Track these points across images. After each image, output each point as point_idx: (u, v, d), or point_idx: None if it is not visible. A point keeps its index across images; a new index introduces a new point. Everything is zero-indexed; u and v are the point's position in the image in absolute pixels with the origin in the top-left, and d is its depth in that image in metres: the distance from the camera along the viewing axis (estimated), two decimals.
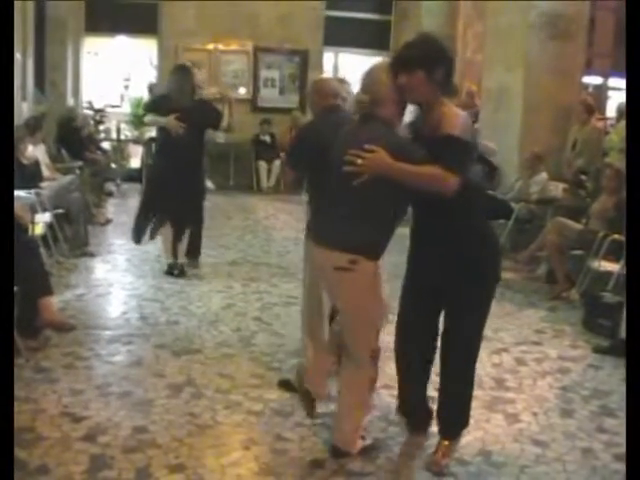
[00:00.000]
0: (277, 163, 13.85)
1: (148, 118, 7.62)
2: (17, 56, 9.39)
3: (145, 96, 14.38)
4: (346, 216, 3.73)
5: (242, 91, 14.63)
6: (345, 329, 4.01)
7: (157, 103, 7.74)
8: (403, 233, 3.98)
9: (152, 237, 7.65)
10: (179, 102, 7.27)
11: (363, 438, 4.12)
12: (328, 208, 3.91)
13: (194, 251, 7.80)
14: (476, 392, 5.01)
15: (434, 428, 4.14)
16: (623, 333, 5.66)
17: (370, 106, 3.73)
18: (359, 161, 3.56)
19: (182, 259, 7.59)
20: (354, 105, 3.96)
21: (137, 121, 15.13)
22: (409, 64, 3.61)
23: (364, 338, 3.93)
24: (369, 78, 3.80)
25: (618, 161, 8.17)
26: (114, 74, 16.39)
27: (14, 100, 9.22)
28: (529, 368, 5.61)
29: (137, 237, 7.58)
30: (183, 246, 7.59)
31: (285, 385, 4.92)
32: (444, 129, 3.57)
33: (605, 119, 12.40)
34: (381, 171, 3.57)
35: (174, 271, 7.52)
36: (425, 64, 3.60)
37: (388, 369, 5.31)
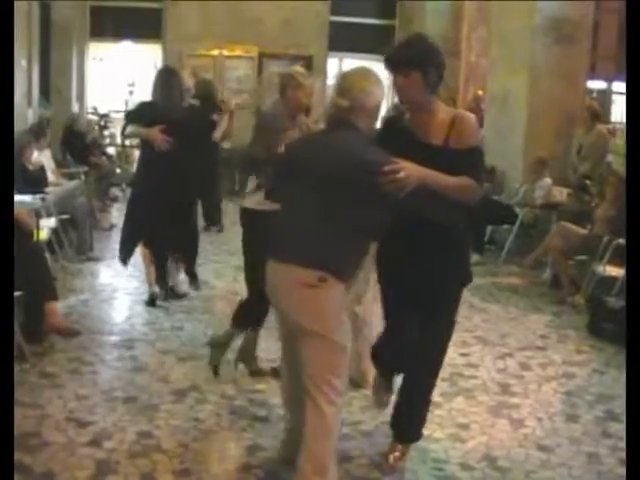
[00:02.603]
0: None
1: (129, 130, 6.57)
2: (22, 62, 9.42)
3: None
4: (314, 230, 3.40)
5: (246, 96, 14.63)
6: (309, 361, 3.46)
7: (140, 112, 6.67)
8: None
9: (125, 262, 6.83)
10: (165, 111, 6.36)
11: None
12: (292, 221, 3.52)
13: (191, 270, 7.05)
14: (481, 397, 5.04)
15: None
16: None
17: (346, 113, 3.47)
18: (401, 174, 3.27)
19: (172, 281, 6.91)
20: (329, 109, 3.60)
21: None
22: (406, 65, 3.53)
23: (331, 373, 3.44)
24: (349, 83, 3.52)
25: (622, 166, 8.16)
26: (119, 79, 16.39)
27: (19, 106, 9.25)
28: (534, 373, 5.60)
29: (124, 258, 6.79)
30: (177, 270, 6.95)
31: (276, 374, 4.97)
32: (466, 139, 3.53)
33: (610, 124, 12.39)
34: (419, 183, 3.33)
35: (155, 302, 6.67)
36: (421, 65, 3.52)
37: None
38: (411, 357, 3.91)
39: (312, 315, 3.40)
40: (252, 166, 4.99)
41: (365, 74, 3.56)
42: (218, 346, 5.17)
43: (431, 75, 3.53)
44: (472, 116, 3.67)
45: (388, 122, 3.92)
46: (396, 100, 4.16)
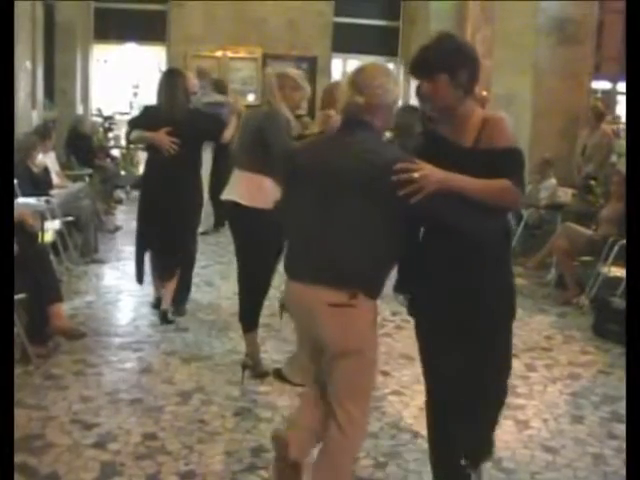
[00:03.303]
0: None
1: (134, 135, 6.33)
2: (26, 64, 9.43)
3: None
4: (339, 245, 3.15)
5: (251, 98, 14.66)
6: (337, 381, 3.29)
7: (145, 116, 6.47)
8: None
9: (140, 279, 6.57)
10: (170, 114, 6.13)
11: None
12: (310, 236, 3.26)
13: (180, 296, 6.54)
14: None
15: None
16: None
17: (363, 112, 3.24)
18: (416, 174, 3.01)
19: (166, 305, 6.34)
20: (343, 108, 3.32)
21: None
22: (430, 69, 3.22)
23: (362, 389, 3.35)
24: (366, 79, 3.26)
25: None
26: (123, 81, 16.42)
27: (23, 108, 9.26)
28: (539, 374, 5.59)
29: (139, 275, 6.55)
30: (171, 287, 6.38)
31: (279, 375, 5.08)
32: (499, 141, 3.21)
33: (616, 124, 12.37)
34: (439, 187, 3.04)
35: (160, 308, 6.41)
36: (448, 67, 3.20)
37: (397, 374, 5.34)
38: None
39: (345, 335, 3.19)
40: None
41: (383, 70, 3.36)
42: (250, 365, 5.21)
43: (461, 76, 3.22)
44: (504, 117, 3.38)
45: (424, 132, 3.68)
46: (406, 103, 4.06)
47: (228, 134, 6.32)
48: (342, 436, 3.30)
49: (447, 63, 3.21)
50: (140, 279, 6.55)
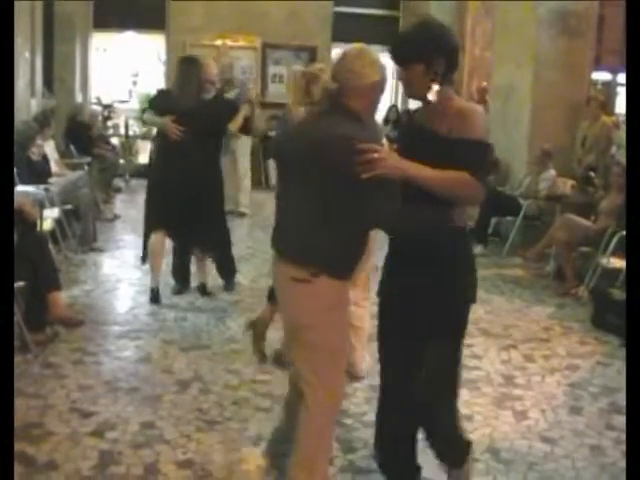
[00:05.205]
0: None
1: (147, 115, 6.50)
2: (25, 54, 9.40)
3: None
4: (304, 224, 3.23)
5: (252, 87, 14.62)
6: (298, 359, 3.38)
7: (159, 100, 6.52)
8: None
9: (144, 260, 6.70)
10: (181, 101, 6.21)
11: None
12: (285, 215, 3.39)
13: (227, 272, 7.03)
14: (484, 389, 5.05)
15: None
16: None
17: (337, 96, 3.27)
18: (375, 155, 2.98)
19: (203, 279, 6.85)
20: (322, 94, 3.39)
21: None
22: (406, 58, 3.22)
23: (321, 371, 3.29)
24: (340, 65, 3.31)
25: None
26: (122, 70, 16.40)
27: (22, 97, 9.25)
28: (537, 365, 5.60)
29: (143, 256, 6.70)
30: (207, 267, 6.90)
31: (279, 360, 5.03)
32: (469, 132, 3.13)
33: (614, 115, 12.35)
34: (394, 171, 3.02)
35: (158, 298, 6.52)
36: (423, 57, 3.18)
37: None
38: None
39: (299, 309, 3.27)
40: None
41: (357, 55, 3.34)
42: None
43: (437, 65, 3.18)
44: (479, 110, 3.31)
45: (402, 117, 3.75)
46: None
47: (233, 126, 6.44)
48: (307, 415, 3.31)
49: (423, 53, 3.20)
50: (144, 259, 6.70)
